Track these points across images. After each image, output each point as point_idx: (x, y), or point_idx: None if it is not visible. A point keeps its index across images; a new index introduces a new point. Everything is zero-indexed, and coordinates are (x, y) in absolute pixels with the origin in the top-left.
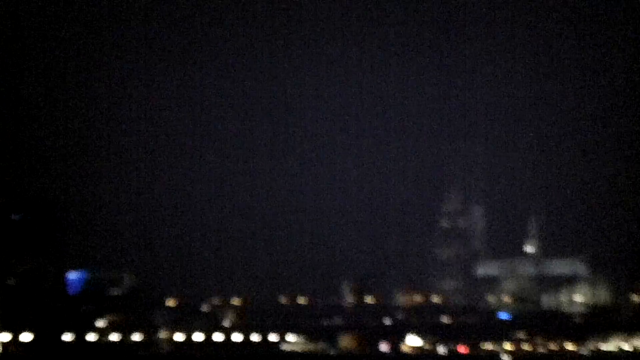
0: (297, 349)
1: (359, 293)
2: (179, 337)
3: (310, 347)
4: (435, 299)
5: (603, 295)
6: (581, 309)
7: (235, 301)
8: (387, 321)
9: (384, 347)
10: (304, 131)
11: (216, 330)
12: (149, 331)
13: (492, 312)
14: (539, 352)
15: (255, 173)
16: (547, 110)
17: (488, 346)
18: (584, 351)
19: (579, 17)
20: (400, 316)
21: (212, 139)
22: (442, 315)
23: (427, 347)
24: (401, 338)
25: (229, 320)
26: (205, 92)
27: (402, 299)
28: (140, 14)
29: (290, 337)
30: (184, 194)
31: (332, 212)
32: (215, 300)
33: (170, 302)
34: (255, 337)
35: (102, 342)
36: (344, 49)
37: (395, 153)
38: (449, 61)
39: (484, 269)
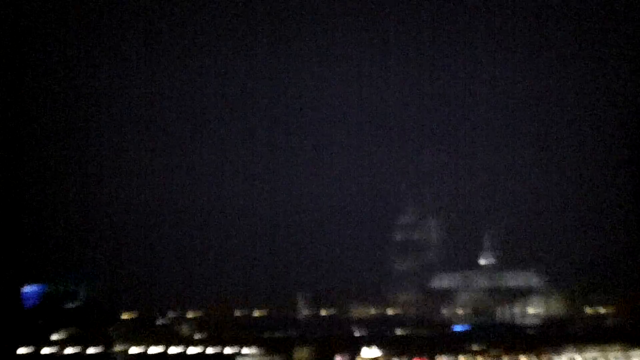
0: None
1: (315, 305)
2: (135, 350)
3: (266, 359)
4: (391, 311)
5: (557, 307)
6: (535, 321)
7: (192, 314)
8: (343, 333)
9: (339, 359)
10: (258, 143)
11: (173, 344)
12: (105, 344)
13: (447, 325)
14: None
15: (209, 184)
16: (502, 122)
17: (443, 358)
18: None
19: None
20: (355, 328)
21: (163, 155)
22: (397, 328)
23: (382, 359)
24: (357, 351)
25: (185, 333)
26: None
27: (358, 311)
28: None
29: (246, 350)
30: (139, 208)
31: (288, 225)
32: (172, 314)
33: (127, 316)
34: (211, 350)
35: (58, 356)
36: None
37: (350, 165)
38: (402, 71)
39: (439, 282)
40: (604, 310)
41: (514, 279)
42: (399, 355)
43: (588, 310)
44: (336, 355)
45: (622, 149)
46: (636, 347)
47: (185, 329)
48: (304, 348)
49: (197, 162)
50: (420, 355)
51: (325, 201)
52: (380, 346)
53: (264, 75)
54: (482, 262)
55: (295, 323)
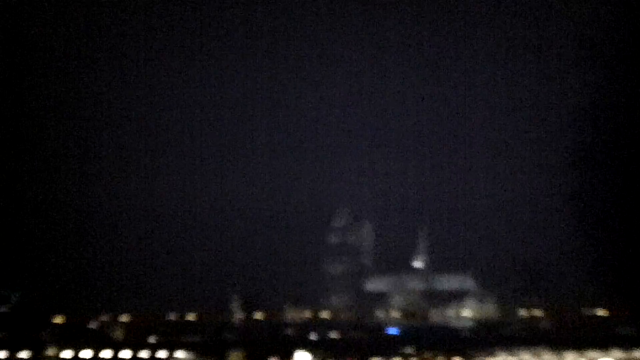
0: None
1: (248, 309)
2: (66, 354)
3: None
4: (324, 315)
5: (490, 310)
6: (469, 324)
7: (124, 318)
8: (276, 337)
9: None
10: (191, 146)
11: (104, 347)
12: (36, 349)
13: (381, 328)
14: None
15: (141, 188)
16: (434, 125)
17: None
18: None
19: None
20: (289, 332)
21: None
22: (331, 331)
23: None
24: (290, 354)
25: (117, 337)
26: None
27: (291, 315)
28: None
29: (179, 354)
30: (70, 211)
31: (221, 227)
32: (104, 317)
33: (58, 319)
34: (143, 354)
35: None
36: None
37: (284, 168)
38: (334, 76)
39: (372, 285)
40: (538, 313)
41: (447, 282)
42: (332, 358)
43: (522, 312)
44: (271, 358)
45: (556, 151)
46: (568, 349)
47: (117, 333)
48: (237, 352)
49: (129, 165)
50: (353, 358)
51: (260, 205)
52: (313, 350)
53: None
54: (416, 265)
55: (228, 327)
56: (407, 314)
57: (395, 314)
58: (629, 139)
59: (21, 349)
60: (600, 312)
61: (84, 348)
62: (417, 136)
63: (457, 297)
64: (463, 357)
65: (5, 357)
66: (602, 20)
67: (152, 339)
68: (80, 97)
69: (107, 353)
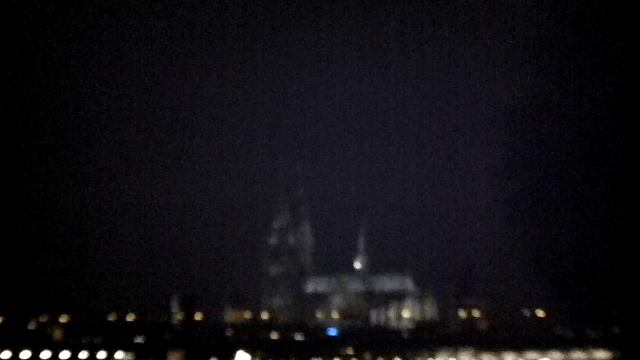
0: None
1: (188, 309)
2: (5, 354)
3: None
4: (265, 315)
5: (430, 311)
6: (409, 324)
7: (63, 318)
8: (216, 337)
9: None
10: (132, 143)
11: (44, 348)
12: None
13: (321, 328)
14: None
15: (84, 186)
16: (375, 126)
17: None
18: None
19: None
20: (229, 332)
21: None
22: (271, 332)
23: None
24: (230, 355)
25: (57, 337)
26: None
27: (232, 315)
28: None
29: (119, 355)
30: (7, 212)
31: (161, 229)
32: (43, 317)
33: None
34: (83, 355)
35: None
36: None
37: (223, 170)
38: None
39: (312, 285)
40: (477, 313)
41: (388, 283)
42: (274, 358)
43: (461, 313)
44: (211, 358)
45: (492, 152)
46: (507, 350)
47: (56, 333)
48: (178, 352)
49: (65, 164)
50: (293, 359)
51: (200, 206)
52: (254, 350)
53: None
54: (355, 266)
55: (169, 327)
56: (347, 314)
57: (336, 315)
58: (567, 137)
59: None
60: (539, 313)
61: (23, 349)
62: (356, 138)
63: (398, 297)
64: (403, 357)
65: None
66: (539, 18)
67: (92, 340)
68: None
69: (46, 354)
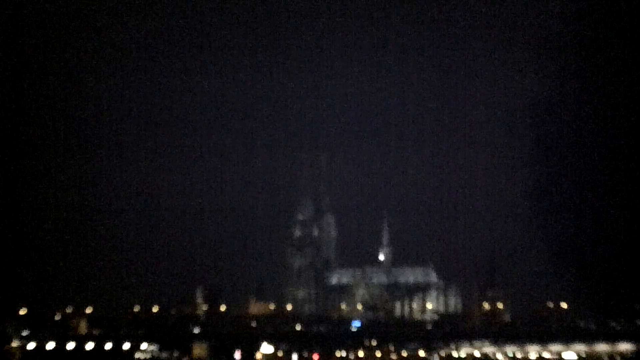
0: (151, 357)
1: (212, 301)
2: (31, 345)
3: (164, 355)
4: (288, 307)
5: (454, 303)
6: (432, 317)
7: (88, 310)
8: (242, 329)
9: (237, 355)
10: (154, 138)
11: (69, 339)
12: (1, 341)
13: (344, 320)
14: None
15: (103, 181)
16: (396, 120)
17: (342, 354)
18: (435, 358)
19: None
20: (253, 324)
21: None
22: (295, 324)
23: (280, 355)
24: (254, 346)
25: (82, 329)
26: None
27: (257, 307)
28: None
29: (144, 346)
30: (31, 203)
31: (186, 223)
32: (68, 310)
33: (23, 311)
34: (108, 346)
35: None
36: None
37: (248, 163)
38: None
39: (336, 278)
40: (501, 306)
41: (412, 275)
42: (298, 350)
43: (485, 306)
44: (235, 351)
45: (516, 145)
46: (531, 342)
47: (82, 325)
48: (202, 344)
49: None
50: (319, 350)
51: (223, 199)
52: (278, 342)
53: None
54: (381, 258)
55: (194, 319)
56: (371, 306)
57: (358, 307)
58: (591, 131)
59: None
60: (563, 306)
61: (48, 340)
62: (380, 131)
63: (420, 290)
64: (426, 349)
65: None
66: (562, 13)
67: (118, 331)
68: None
69: (71, 345)
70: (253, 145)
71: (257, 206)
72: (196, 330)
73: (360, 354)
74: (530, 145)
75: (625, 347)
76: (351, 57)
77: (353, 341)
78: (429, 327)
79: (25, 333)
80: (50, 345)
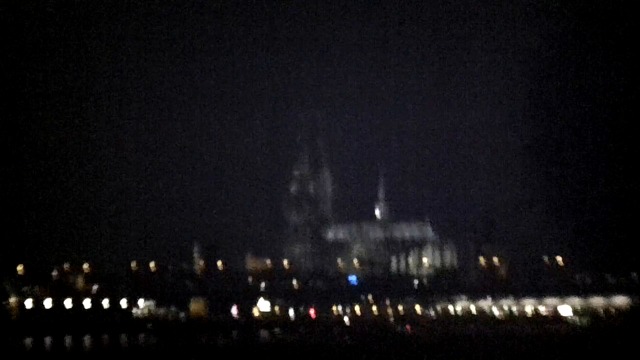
0: (148, 314)
1: (209, 258)
2: (28, 303)
3: (161, 312)
4: (285, 264)
5: (450, 258)
6: (429, 272)
7: (85, 267)
8: (238, 285)
9: (234, 311)
10: (156, 92)
11: (66, 296)
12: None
13: (341, 276)
14: (388, 314)
15: (106, 131)
16: (391, 75)
17: (339, 308)
18: (432, 313)
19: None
20: (250, 281)
21: None
22: (292, 280)
23: (277, 310)
24: (251, 303)
25: (80, 286)
26: None
27: (253, 263)
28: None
29: (141, 302)
30: (27, 164)
31: (183, 178)
32: (65, 266)
33: (21, 268)
34: (106, 302)
35: None
36: None
37: (245, 121)
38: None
39: (333, 233)
40: (497, 261)
41: (408, 231)
42: (295, 306)
43: (481, 261)
44: (232, 306)
45: (514, 100)
46: (527, 296)
47: (79, 281)
48: (199, 300)
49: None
50: (316, 306)
51: (219, 156)
52: (274, 298)
53: None
54: (377, 214)
55: (190, 275)
56: (367, 262)
57: (356, 263)
58: (590, 85)
59: None
60: (559, 260)
61: (45, 297)
62: (376, 86)
63: (416, 245)
64: (423, 304)
65: None
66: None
67: (113, 288)
68: None
69: (68, 302)
70: (250, 104)
71: (253, 162)
72: (193, 287)
73: (358, 308)
74: (529, 99)
75: (620, 300)
76: (348, 12)
77: (349, 297)
78: (425, 282)
79: (23, 289)
80: (48, 303)
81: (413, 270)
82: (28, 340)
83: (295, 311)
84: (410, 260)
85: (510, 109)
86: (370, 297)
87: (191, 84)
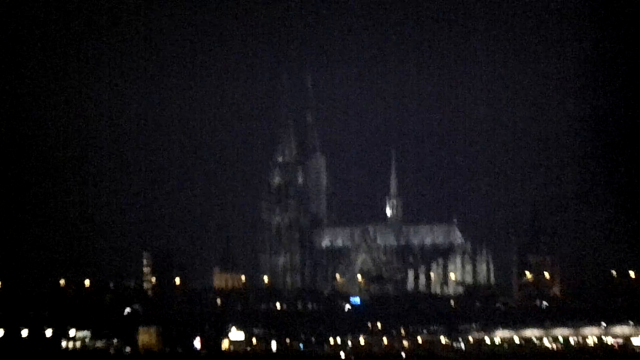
0: (81, 347)
1: (163, 272)
2: None
3: (99, 344)
4: (265, 280)
5: (485, 273)
6: (457, 290)
7: None
8: (204, 309)
9: (197, 344)
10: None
11: None
12: None
13: (339, 297)
14: (402, 347)
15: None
16: (399, 24)
17: (338, 341)
18: (461, 345)
19: None
20: (218, 303)
21: None
22: (275, 302)
23: (255, 343)
24: (220, 332)
25: None
26: None
27: (221, 280)
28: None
29: (72, 332)
30: None
31: (131, 163)
32: None
33: None
34: (24, 333)
35: None
36: None
37: (215, 86)
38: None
39: (328, 239)
40: (547, 275)
41: (430, 235)
42: (278, 337)
43: (528, 276)
44: (194, 339)
45: (575, 70)
46: (589, 324)
47: None
48: (151, 329)
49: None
50: (307, 335)
51: (180, 130)
52: (253, 326)
53: None
54: (388, 212)
55: (139, 295)
56: (374, 277)
57: (358, 279)
58: None
59: None
60: (631, 275)
61: None
62: (384, 42)
63: (440, 255)
64: (449, 336)
65: None
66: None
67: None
68: None
69: None
70: (222, 65)
71: (223, 142)
72: (142, 310)
73: (363, 340)
74: (587, 66)
75: None
76: None
77: (351, 325)
78: (453, 305)
79: None
80: None
81: (436, 287)
82: None
83: (279, 343)
84: (433, 274)
85: (562, 75)
86: (378, 324)
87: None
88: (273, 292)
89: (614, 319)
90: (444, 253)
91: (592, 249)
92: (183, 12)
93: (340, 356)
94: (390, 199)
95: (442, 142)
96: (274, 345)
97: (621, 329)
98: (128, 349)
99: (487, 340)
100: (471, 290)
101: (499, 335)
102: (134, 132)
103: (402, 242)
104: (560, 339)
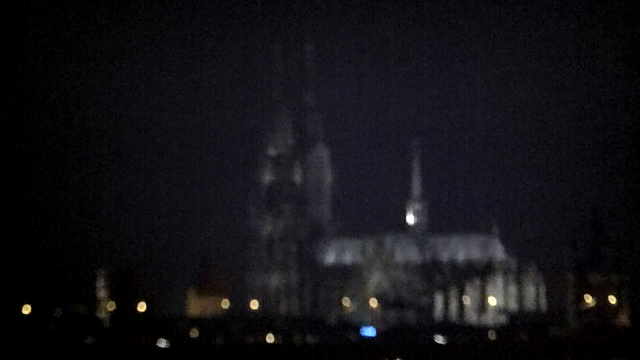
0: None
1: (122, 294)
2: None
3: None
4: (253, 305)
5: (534, 295)
6: (499, 317)
7: None
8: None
9: None
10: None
11: None
12: None
13: (348, 326)
14: None
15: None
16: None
17: None
18: None
19: None
20: (193, 334)
21: None
22: (265, 332)
23: None
24: None
25: None
26: None
27: (197, 305)
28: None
29: None
30: None
31: (76, 161)
32: None
33: None
34: None
35: None
36: None
37: (184, 57)
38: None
39: (333, 253)
40: (614, 300)
41: (464, 249)
42: None
43: (588, 300)
44: None
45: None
46: None
47: None
48: None
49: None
50: None
51: (148, 116)
52: None
53: None
54: (409, 220)
55: (93, 324)
56: (392, 301)
57: (372, 303)
58: None
59: None
60: None
61: None
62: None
63: (476, 273)
64: None
65: None
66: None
67: None
68: None
69: None
70: (196, 28)
71: (201, 131)
72: (94, 344)
73: None
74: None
75: None
76: None
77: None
78: (492, 337)
79: None
80: None
81: (472, 315)
82: None
83: None
84: (468, 297)
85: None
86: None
87: None
88: (263, 320)
89: None
90: (481, 272)
91: None
92: None
93: None
94: (412, 203)
95: (479, 132)
96: None
97: None
98: None
99: None
100: (516, 319)
101: None
102: (90, 109)
103: (428, 258)
104: None
